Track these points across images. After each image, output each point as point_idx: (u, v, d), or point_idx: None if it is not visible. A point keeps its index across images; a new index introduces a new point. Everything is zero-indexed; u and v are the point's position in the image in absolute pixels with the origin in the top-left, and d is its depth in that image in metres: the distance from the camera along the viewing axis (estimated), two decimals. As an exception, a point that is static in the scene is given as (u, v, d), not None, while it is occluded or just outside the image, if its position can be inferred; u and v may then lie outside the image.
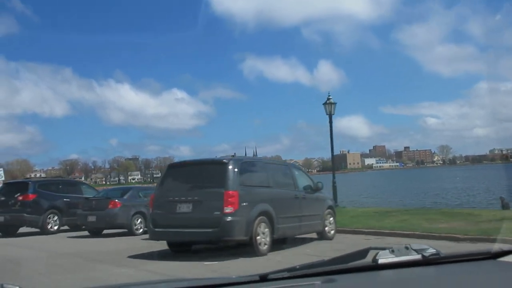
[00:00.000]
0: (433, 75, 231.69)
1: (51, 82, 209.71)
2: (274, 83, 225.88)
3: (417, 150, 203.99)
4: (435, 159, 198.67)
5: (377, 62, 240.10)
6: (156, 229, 9.15)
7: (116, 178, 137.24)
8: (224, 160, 9.15)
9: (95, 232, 14.55)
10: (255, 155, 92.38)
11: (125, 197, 14.78)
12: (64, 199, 15.95)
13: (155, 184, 14.67)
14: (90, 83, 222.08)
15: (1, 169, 25.76)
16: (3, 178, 23.89)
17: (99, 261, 9.23)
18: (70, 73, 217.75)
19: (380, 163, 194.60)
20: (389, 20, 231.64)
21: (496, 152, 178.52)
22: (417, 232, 11.09)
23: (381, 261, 1.79)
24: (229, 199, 8.57)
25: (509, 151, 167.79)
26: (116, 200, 14.40)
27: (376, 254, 1.83)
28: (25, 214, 14.98)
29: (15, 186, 16.61)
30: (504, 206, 18.12)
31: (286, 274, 1.74)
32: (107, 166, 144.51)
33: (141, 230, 14.34)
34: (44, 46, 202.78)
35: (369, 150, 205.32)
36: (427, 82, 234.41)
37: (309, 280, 1.70)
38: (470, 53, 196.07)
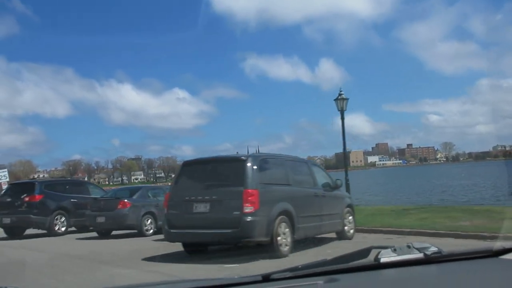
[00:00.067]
0: (435, 72, 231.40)
1: (52, 83, 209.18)
2: (275, 81, 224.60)
3: (420, 147, 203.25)
4: (438, 156, 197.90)
5: (379, 60, 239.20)
6: (172, 230, 8.74)
7: (119, 178, 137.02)
8: (242, 157, 8.73)
9: (104, 233, 14.20)
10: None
11: (134, 197, 14.40)
12: (71, 200, 15.59)
13: (161, 184, 14.24)
14: (91, 83, 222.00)
15: (5, 170, 25.37)
16: (7, 179, 23.59)
17: (114, 264, 8.85)
18: (72, 74, 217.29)
19: (383, 160, 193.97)
20: (390, 18, 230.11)
21: (500, 148, 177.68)
22: (441, 231, 10.67)
23: (383, 260, 1.79)
24: (249, 198, 8.16)
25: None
26: (126, 200, 14.02)
27: (378, 253, 1.82)
28: (32, 216, 14.62)
29: (21, 186, 16.21)
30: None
31: (288, 274, 1.74)
32: (110, 166, 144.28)
33: (151, 231, 14.00)
34: (45, 47, 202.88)
35: (372, 148, 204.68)
36: (429, 80, 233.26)
37: (311, 279, 1.70)
38: (472, 50, 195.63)
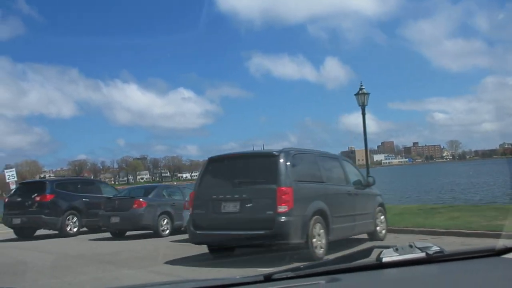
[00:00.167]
0: (440, 70, 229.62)
1: (57, 83, 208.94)
2: (280, 80, 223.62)
3: (426, 145, 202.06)
4: (445, 154, 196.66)
5: (384, 58, 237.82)
6: (198, 231, 8.10)
7: (125, 178, 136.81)
8: (274, 152, 8.06)
9: (118, 234, 13.61)
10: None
11: (150, 196, 13.79)
12: (83, 199, 15.05)
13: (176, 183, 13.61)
14: (96, 84, 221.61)
15: (13, 169, 24.95)
16: (15, 179, 23.24)
17: (135, 267, 8.26)
18: (77, 74, 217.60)
19: (389, 159, 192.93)
20: (395, 16, 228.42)
21: (506, 146, 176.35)
22: (479, 231, 10.02)
23: (385, 259, 1.78)
24: (283, 197, 7.52)
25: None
26: (141, 200, 13.41)
27: (380, 252, 1.81)
28: (43, 216, 14.07)
29: (32, 186, 15.67)
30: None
31: (290, 274, 1.74)
32: (115, 166, 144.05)
33: (167, 231, 13.42)
34: (50, 47, 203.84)
35: (377, 146, 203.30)
36: (435, 78, 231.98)
37: (313, 279, 1.70)
38: (478, 47, 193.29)
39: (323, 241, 8.04)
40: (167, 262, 8.40)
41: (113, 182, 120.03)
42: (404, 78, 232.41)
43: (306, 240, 7.68)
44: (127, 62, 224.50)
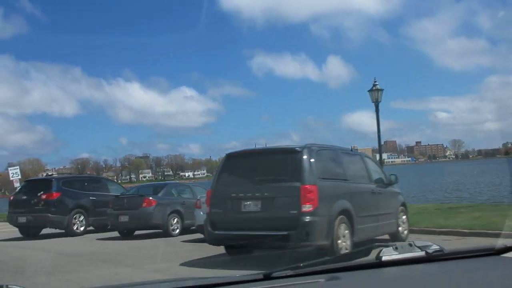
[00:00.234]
0: (443, 69, 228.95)
1: (60, 82, 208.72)
2: (283, 79, 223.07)
3: (428, 144, 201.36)
4: (447, 153, 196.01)
5: (387, 57, 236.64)
6: (216, 232, 7.67)
7: (127, 177, 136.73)
8: (297, 148, 7.61)
9: (126, 233, 13.21)
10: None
11: (159, 194, 13.38)
12: (90, 198, 14.64)
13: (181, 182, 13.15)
14: (99, 82, 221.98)
15: (17, 167, 24.64)
16: (19, 177, 22.92)
17: (148, 268, 7.84)
18: (79, 73, 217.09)
19: (391, 158, 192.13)
20: (398, 14, 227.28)
21: (510, 145, 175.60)
22: (505, 231, 9.59)
23: (385, 258, 1.77)
24: (308, 195, 7.09)
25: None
26: (151, 198, 13.01)
27: (380, 251, 1.80)
28: (49, 214, 13.68)
29: (38, 183, 15.22)
30: None
31: (290, 272, 1.74)
32: (118, 164, 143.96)
33: (177, 230, 13.01)
34: (53, 46, 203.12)
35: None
36: (437, 77, 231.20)
37: (313, 278, 1.69)
38: (481, 46, 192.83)
39: (348, 242, 7.61)
40: (182, 264, 8.00)
41: (115, 181, 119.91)
42: (407, 77, 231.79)
43: (331, 241, 7.25)
44: (129, 61, 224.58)
